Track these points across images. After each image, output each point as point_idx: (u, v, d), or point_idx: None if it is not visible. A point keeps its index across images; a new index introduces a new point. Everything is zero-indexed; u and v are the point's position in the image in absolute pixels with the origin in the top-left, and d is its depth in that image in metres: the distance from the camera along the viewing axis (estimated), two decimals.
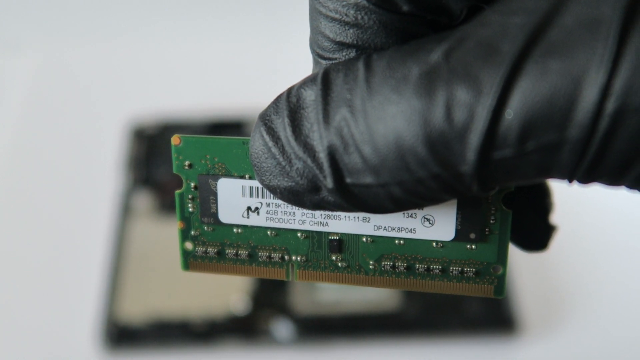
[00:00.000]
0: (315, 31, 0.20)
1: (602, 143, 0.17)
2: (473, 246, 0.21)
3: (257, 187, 0.22)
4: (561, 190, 0.65)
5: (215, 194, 0.23)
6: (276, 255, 0.23)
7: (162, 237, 0.58)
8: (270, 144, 0.19)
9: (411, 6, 0.18)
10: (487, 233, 0.21)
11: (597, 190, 0.65)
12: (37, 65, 0.73)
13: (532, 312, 0.55)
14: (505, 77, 0.17)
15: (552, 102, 0.16)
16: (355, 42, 0.19)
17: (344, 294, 0.55)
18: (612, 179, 0.17)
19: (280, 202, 0.22)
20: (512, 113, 0.17)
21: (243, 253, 0.24)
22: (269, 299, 0.55)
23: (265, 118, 0.19)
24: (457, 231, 0.21)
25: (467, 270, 0.21)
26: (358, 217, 0.22)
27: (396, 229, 0.21)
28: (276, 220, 0.23)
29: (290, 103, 0.19)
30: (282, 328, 0.54)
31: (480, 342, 0.54)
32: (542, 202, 0.24)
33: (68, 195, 0.63)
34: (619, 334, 0.54)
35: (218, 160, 0.22)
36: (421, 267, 0.22)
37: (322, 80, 0.19)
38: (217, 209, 0.23)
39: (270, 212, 0.22)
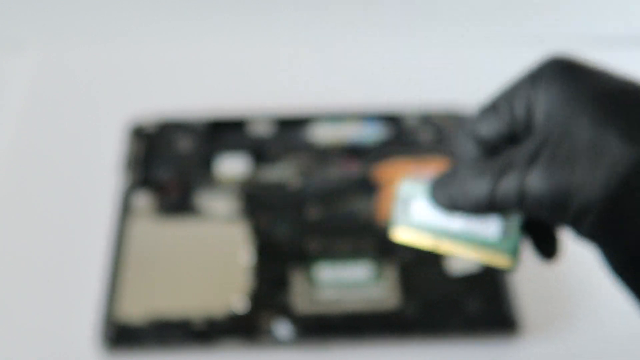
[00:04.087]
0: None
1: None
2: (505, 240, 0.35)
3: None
4: None
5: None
6: None
7: (162, 237, 0.58)
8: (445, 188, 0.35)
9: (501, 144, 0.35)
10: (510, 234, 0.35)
11: None
12: (37, 65, 0.73)
13: (532, 312, 0.55)
14: (522, 177, 0.31)
15: (554, 195, 0.30)
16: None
17: (343, 293, 0.55)
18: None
19: None
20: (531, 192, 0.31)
21: None
22: (269, 299, 0.55)
23: (435, 181, 0.35)
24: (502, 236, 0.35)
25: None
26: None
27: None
28: None
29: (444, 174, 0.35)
30: (282, 328, 0.54)
31: (480, 342, 0.54)
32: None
33: (68, 195, 0.63)
34: (619, 334, 0.54)
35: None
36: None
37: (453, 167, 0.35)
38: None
39: None
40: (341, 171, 0.62)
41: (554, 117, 0.31)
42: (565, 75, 0.32)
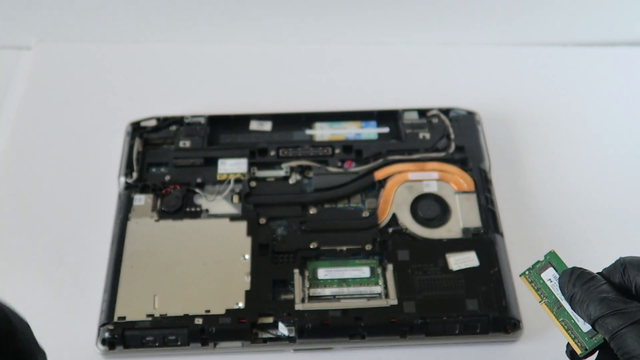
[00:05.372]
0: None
1: None
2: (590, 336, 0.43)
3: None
4: (565, 197, 0.64)
5: None
6: None
7: (162, 237, 0.58)
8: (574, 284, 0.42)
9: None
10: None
11: (596, 198, 0.64)
12: (38, 65, 0.73)
13: (532, 312, 0.55)
14: (622, 326, 0.39)
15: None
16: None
17: (343, 293, 0.55)
18: None
19: None
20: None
21: None
22: (269, 299, 0.55)
23: (572, 272, 0.42)
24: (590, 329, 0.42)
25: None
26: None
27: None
28: None
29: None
30: (282, 328, 0.54)
31: (480, 342, 0.54)
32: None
33: (68, 195, 0.63)
34: None
35: None
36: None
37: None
38: None
39: None
40: (341, 171, 0.62)
41: None
42: None
